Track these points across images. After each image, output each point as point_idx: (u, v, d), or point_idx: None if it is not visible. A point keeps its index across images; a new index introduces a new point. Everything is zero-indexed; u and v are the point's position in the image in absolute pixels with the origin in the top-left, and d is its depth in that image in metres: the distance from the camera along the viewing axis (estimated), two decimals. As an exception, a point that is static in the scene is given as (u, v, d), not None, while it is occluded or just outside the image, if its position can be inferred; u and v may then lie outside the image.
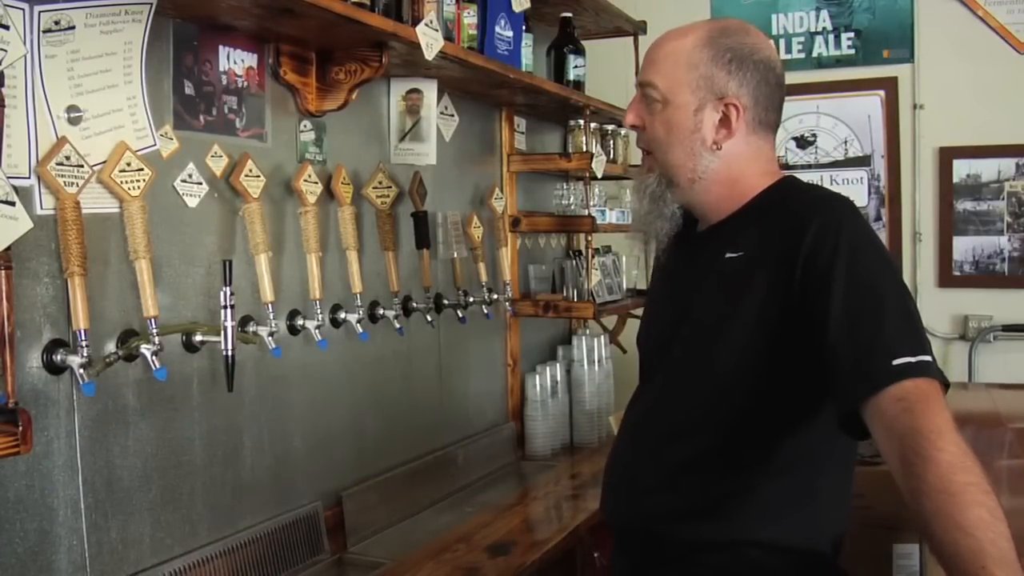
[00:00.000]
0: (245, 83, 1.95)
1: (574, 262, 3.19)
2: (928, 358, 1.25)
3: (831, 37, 3.75)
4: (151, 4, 1.63)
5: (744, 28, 1.51)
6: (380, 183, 2.33)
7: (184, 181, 1.79)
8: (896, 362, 1.23)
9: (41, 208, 1.50)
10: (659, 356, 1.57)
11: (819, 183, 1.58)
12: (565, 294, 3.15)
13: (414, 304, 2.48)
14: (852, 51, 3.72)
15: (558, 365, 3.16)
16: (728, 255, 1.46)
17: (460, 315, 2.67)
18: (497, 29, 2.49)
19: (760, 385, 1.41)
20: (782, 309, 1.37)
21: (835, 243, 1.33)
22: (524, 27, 2.66)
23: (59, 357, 1.52)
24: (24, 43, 1.42)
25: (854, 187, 3.69)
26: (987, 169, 3.56)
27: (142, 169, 1.63)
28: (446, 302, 2.63)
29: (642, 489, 1.52)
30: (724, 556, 1.43)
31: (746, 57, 1.46)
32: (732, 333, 1.42)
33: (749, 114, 1.48)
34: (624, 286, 3.47)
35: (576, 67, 3.00)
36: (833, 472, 1.47)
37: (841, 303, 1.29)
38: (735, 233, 1.48)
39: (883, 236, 3.57)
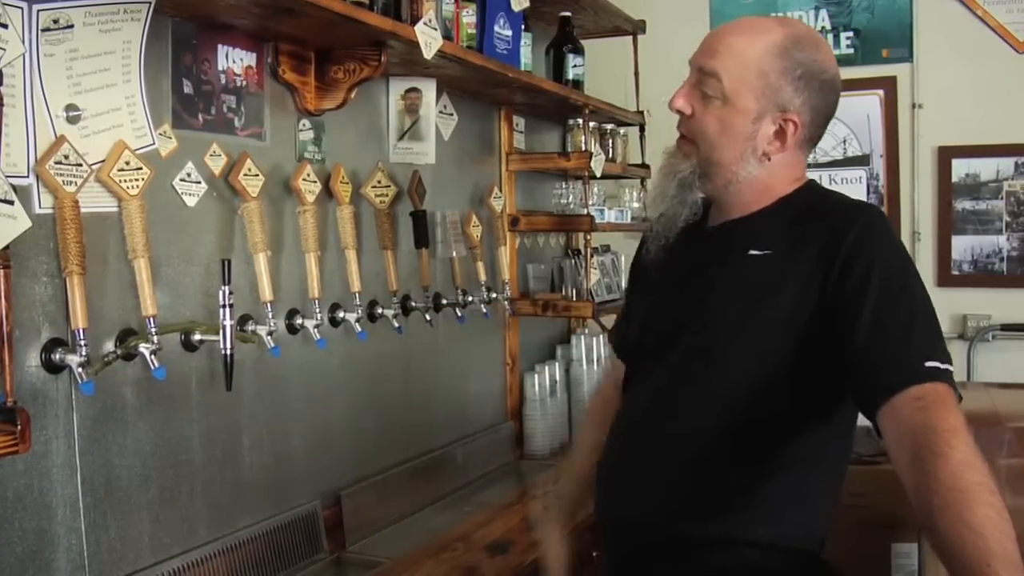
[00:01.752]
0: (244, 82, 1.95)
1: (573, 261, 3.19)
2: (952, 368, 1.28)
3: (830, 36, 3.74)
4: (150, 3, 1.63)
5: (816, 42, 1.48)
6: (379, 182, 2.33)
7: (183, 180, 1.79)
8: (928, 364, 1.26)
9: (40, 207, 1.50)
10: (661, 350, 1.54)
11: (818, 182, 1.58)
12: (564, 293, 3.15)
13: (413, 303, 2.48)
14: (851, 50, 3.72)
15: (557, 364, 3.17)
16: (752, 252, 1.45)
17: (459, 314, 2.67)
18: (496, 28, 2.49)
19: (779, 386, 1.40)
20: (811, 312, 1.37)
21: (871, 252, 1.34)
22: (523, 26, 2.66)
23: (58, 356, 1.52)
24: (23, 42, 1.43)
25: (853, 186, 3.68)
26: (986, 168, 3.56)
27: (141, 168, 1.63)
28: (445, 301, 2.63)
29: (640, 488, 1.51)
30: (720, 555, 1.43)
31: (815, 76, 1.45)
32: (755, 332, 1.41)
33: (804, 131, 1.46)
34: (623, 285, 3.47)
35: (575, 66, 3.00)
36: (830, 472, 1.48)
37: (874, 310, 1.30)
38: (760, 231, 1.47)
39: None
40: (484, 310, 2.77)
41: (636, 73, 3.43)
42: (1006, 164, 3.53)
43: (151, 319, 1.64)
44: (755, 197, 1.50)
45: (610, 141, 3.39)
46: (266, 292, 1.91)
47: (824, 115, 1.49)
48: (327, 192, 2.16)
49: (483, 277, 2.77)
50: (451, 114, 2.70)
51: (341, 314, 2.22)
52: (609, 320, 3.48)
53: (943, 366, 1.26)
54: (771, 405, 1.41)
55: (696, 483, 1.45)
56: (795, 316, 1.38)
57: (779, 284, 1.40)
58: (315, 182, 2.08)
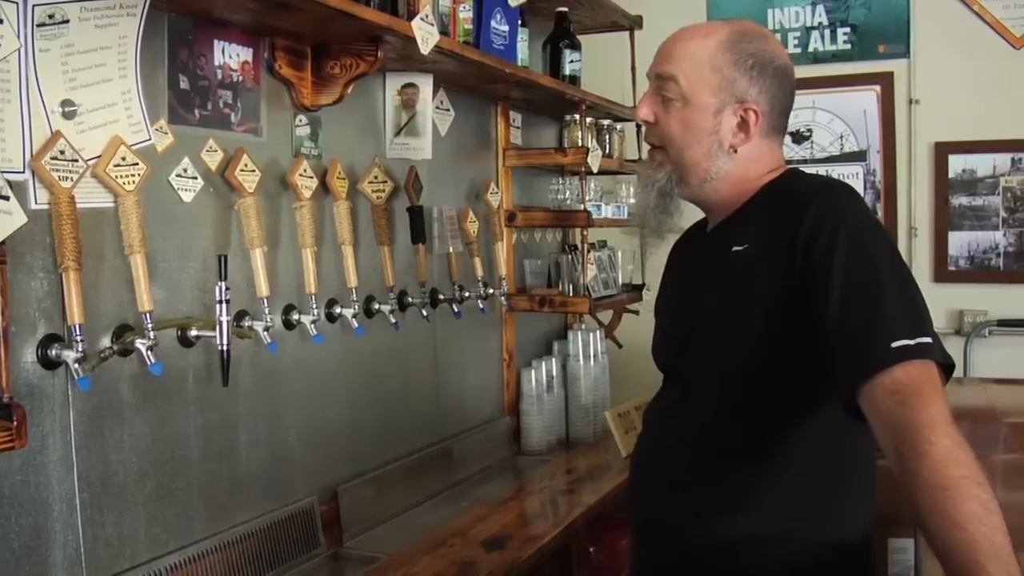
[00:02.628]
0: (240, 77, 1.94)
1: (570, 257, 3.19)
2: (927, 339, 1.24)
3: (827, 32, 3.75)
4: (145, -2, 1.62)
5: (763, 34, 1.53)
6: (376, 178, 2.33)
7: (179, 176, 1.79)
8: (895, 344, 1.22)
9: (35, 203, 1.49)
10: (679, 357, 1.58)
11: (799, 169, 1.60)
12: (561, 289, 3.15)
13: (410, 299, 2.48)
14: (848, 46, 3.72)
15: (553, 360, 3.17)
16: (734, 248, 1.47)
17: (455, 310, 2.66)
18: (493, 23, 2.48)
19: (772, 378, 1.40)
20: (785, 299, 1.36)
21: (833, 228, 1.33)
22: (520, 21, 2.66)
23: (54, 352, 1.52)
24: (18, 37, 1.42)
25: (850, 182, 3.67)
26: (982, 164, 3.56)
27: (137, 163, 1.63)
28: (441, 297, 2.63)
29: (663, 486, 1.53)
30: (744, 551, 1.43)
31: (767, 64, 1.48)
32: (742, 327, 1.42)
33: (765, 119, 1.50)
34: (620, 281, 3.47)
35: (572, 62, 3.00)
36: (854, 463, 1.46)
37: (839, 288, 1.29)
38: (740, 227, 1.50)
39: (878, 231, 3.57)
40: (481, 306, 2.77)
41: (633, 69, 3.43)
42: (1003, 160, 3.54)
43: (147, 315, 1.64)
44: (733, 192, 1.52)
45: (607, 137, 3.39)
46: (263, 288, 1.91)
47: (783, 103, 1.53)
48: (324, 188, 2.16)
49: (480, 273, 2.77)
50: (448, 109, 2.70)
51: (338, 310, 2.22)
52: (605, 316, 3.49)
53: (916, 341, 1.22)
54: (770, 399, 1.42)
55: (715, 480, 1.46)
56: (772, 307, 1.38)
57: (754, 277, 1.42)
58: (311, 178, 2.07)
